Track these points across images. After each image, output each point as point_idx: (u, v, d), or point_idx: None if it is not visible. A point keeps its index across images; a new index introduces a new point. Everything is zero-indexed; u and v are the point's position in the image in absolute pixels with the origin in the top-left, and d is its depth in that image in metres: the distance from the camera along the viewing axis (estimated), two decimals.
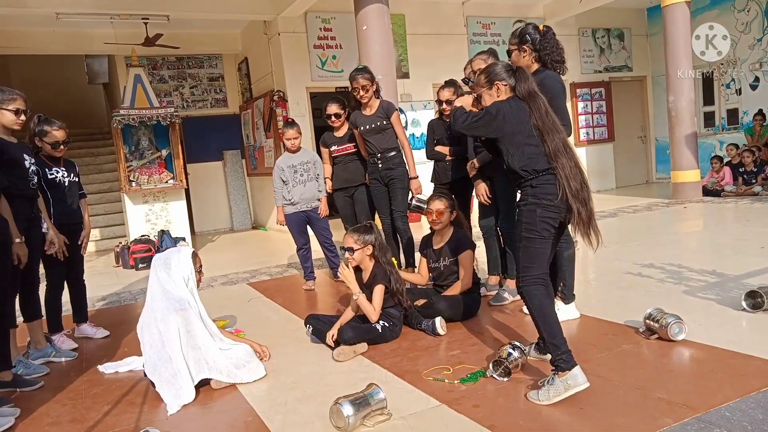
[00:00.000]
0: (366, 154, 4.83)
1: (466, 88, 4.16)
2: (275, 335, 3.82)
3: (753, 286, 3.46)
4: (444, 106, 4.44)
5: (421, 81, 9.33)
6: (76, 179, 4.07)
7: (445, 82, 4.47)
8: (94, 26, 8.54)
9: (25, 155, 3.43)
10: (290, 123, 5.18)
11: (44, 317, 3.83)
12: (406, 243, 4.83)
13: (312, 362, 3.26)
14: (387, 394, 2.49)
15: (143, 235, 7.68)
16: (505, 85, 2.70)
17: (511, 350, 2.80)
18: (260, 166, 9.85)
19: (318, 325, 3.54)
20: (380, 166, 4.73)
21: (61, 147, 3.89)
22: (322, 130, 5.57)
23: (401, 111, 8.73)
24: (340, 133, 5.08)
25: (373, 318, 3.41)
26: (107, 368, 3.46)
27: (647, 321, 3.12)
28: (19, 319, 3.62)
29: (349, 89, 4.75)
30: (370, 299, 3.49)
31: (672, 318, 2.99)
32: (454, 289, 3.76)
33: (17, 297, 3.52)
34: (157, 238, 7.68)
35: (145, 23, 8.25)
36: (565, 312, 3.52)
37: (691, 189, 8.77)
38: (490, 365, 2.79)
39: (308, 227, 5.21)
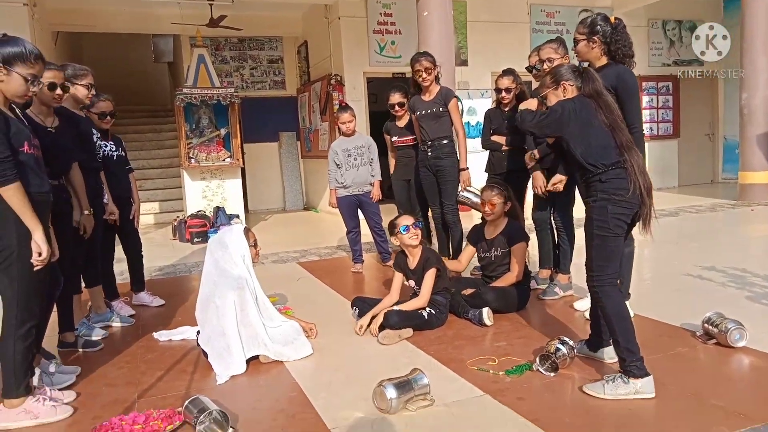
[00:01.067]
0: (420, 140, 4.78)
1: (529, 77, 4.05)
2: (322, 315, 3.86)
3: None
4: (503, 94, 4.35)
5: (480, 69, 9.18)
6: (123, 154, 4.20)
7: (504, 70, 4.39)
8: (162, 6, 8.80)
9: (93, 129, 3.57)
10: (345, 107, 5.21)
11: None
12: (456, 236, 4.74)
13: (357, 344, 3.29)
14: (430, 381, 2.49)
15: (199, 211, 7.92)
16: (572, 86, 2.65)
17: (559, 345, 2.74)
18: (314, 149, 9.95)
19: (364, 308, 3.56)
20: (430, 154, 4.62)
21: (108, 118, 4.00)
22: (377, 116, 5.58)
23: (458, 99, 8.64)
24: (401, 123, 5.06)
25: (422, 304, 3.41)
26: (161, 336, 3.60)
27: (706, 325, 2.99)
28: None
29: (410, 73, 4.66)
30: (418, 285, 3.50)
31: (732, 324, 2.86)
32: (504, 281, 3.71)
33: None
34: (212, 214, 7.90)
35: (210, 5, 8.43)
36: None
37: (760, 191, 8.32)
38: (537, 359, 2.75)
39: (359, 211, 5.24)
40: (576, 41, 3.36)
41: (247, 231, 3.29)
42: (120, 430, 2.27)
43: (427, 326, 3.41)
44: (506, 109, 4.42)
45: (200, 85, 7.75)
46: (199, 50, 7.85)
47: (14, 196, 2.29)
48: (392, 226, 3.57)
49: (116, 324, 3.88)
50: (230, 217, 7.90)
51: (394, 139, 5.11)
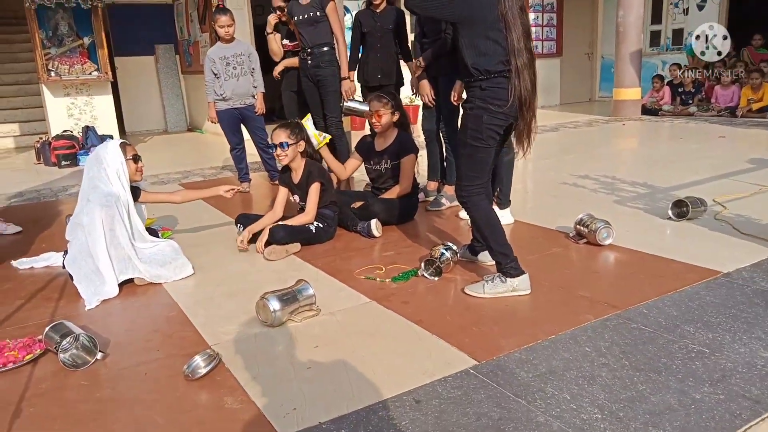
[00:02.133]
0: (300, 47, 4.48)
1: None
2: (205, 235, 3.69)
3: (679, 197, 3.56)
4: None
5: None
6: None
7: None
8: None
9: None
10: (223, 9, 4.80)
11: None
12: (343, 151, 4.56)
13: (241, 261, 3.18)
14: (317, 292, 2.45)
15: (66, 131, 7.18)
16: None
17: (443, 250, 2.78)
18: (195, 64, 9.23)
19: (248, 224, 3.42)
20: (309, 62, 4.37)
21: None
22: (260, 29, 5.18)
23: (347, 10, 8.28)
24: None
25: (309, 219, 3.32)
26: (21, 264, 3.26)
27: (577, 226, 3.17)
28: None
29: None
30: (303, 200, 3.39)
31: (601, 223, 3.05)
32: (392, 193, 3.70)
33: None
34: (81, 134, 7.19)
35: None
36: (504, 217, 3.54)
37: (631, 107, 8.90)
38: (422, 264, 2.78)
39: (242, 126, 4.96)
40: None
41: (124, 145, 2.99)
42: None
43: (315, 240, 3.35)
44: (378, 10, 4.25)
45: None
46: None
47: None
48: (272, 137, 3.39)
49: None
50: (103, 139, 7.23)
51: (284, 42, 4.76)
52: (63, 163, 6.75)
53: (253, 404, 1.78)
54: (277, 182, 4.78)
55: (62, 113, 7.31)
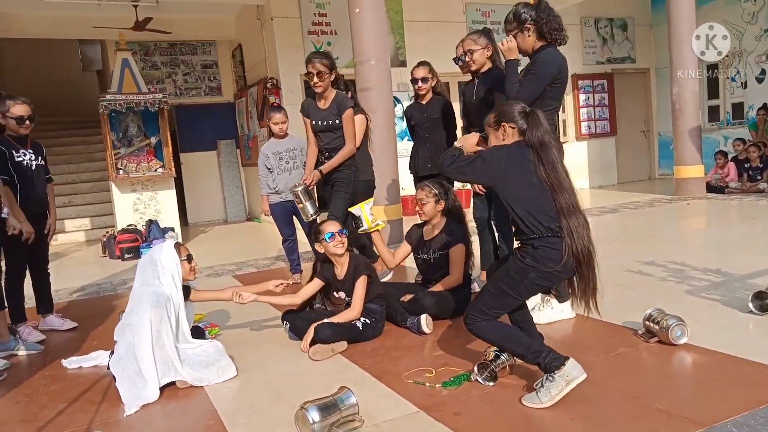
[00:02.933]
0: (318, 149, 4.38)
1: (455, 68, 3.92)
2: (253, 332, 3.62)
3: (760, 287, 3.24)
4: (419, 84, 4.29)
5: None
6: (43, 163, 3.84)
7: (420, 62, 4.32)
8: (83, 9, 8.28)
9: None
10: (277, 107, 4.96)
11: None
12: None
13: (288, 360, 3.05)
14: (362, 398, 2.30)
15: (130, 225, 7.48)
16: (513, 128, 2.43)
17: (498, 352, 2.58)
18: (254, 156, 9.59)
19: (296, 322, 3.33)
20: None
21: (27, 123, 3.66)
22: None
23: (397, 101, 8.50)
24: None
25: (355, 315, 3.20)
26: (71, 363, 3.26)
27: (647, 322, 2.89)
28: None
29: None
30: (349, 295, 3.29)
31: (673, 320, 2.77)
32: (443, 285, 3.54)
33: None
34: (144, 228, 7.48)
35: (135, 6, 8.02)
36: (558, 311, 3.32)
37: (694, 185, 8.53)
38: (475, 368, 2.58)
39: (294, 218, 4.99)
40: (510, 34, 3.27)
41: (178, 246, 3.02)
42: None
43: (363, 337, 3.20)
44: (423, 102, 4.34)
45: (126, 90, 7.33)
46: (123, 54, 7.43)
47: None
48: (317, 232, 3.35)
49: (21, 352, 3.51)
50: (164, 231, 7.49)
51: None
52: (126, 255, 6.98)
53: None
54: (295, 275, 4.76)
55: (128, 208, 7.66)
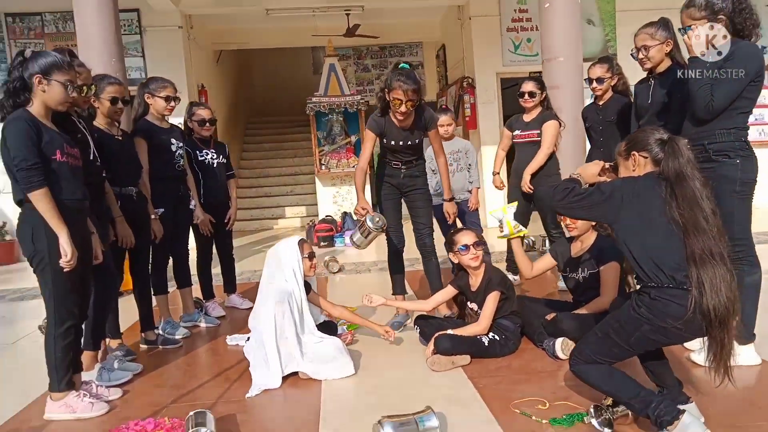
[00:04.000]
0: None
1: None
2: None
3: None
4: (594, 85, 3.82)
5: (633, 63, 8.18)
6: (225, 161, 4.35)
7: (599, 58, 3.83)
8: (300, 21, 9.20)
9: (172, 139, 3.75)
10: (444, 109, 4.94)
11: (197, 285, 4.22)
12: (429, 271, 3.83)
13: (407, 367, 3.02)
14: (462, 420, 2.23)
15: (328, 216, 8.14)
16: (646, 158, 2.08)
17: None
18: None
19: (425, 327, 3.28)
20: (404, 170, 3.76)
21: (207, 125, 4.17)
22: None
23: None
24: (528, 117, 4.42)
25: (481, 330, 3.04)
26: (232, 340, 3.66)
27: None
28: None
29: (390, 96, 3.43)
30: (481, 307, 3.12)
31: None
32: (590, 307, 3.16)
33: (170, 267, 3.91)
34: (340, 219, 8.07)
35: (347, 14, 8.66)
36: (742, 355, 2.72)
37: None
38: (592, 409, 2.25)
39: (458, 221, 4.91)
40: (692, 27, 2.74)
41: (302, 243, 3.20)
42: None
43: (489, 354, 3.02)
44: (600, 103, 3.86)
45: (331, 93, 7.98)
46: (330, 60, 8.08)
47: (41, 201, 2.41)
48: (450, 242, 3.23)
49: (203, 324, 4.05)
50: (356, 223, 7.99)
51: (516, 133, 4.48)
52: (322, 243, 7.62)
53: None
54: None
55: (328, 200, 8.36)
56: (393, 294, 3.84)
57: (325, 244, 7.61)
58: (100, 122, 3.24)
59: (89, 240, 2.71)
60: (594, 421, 2.21)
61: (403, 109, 3.33)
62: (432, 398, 2.57)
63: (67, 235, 2.43)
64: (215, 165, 4.21)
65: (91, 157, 2.93)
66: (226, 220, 4.31)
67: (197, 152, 4.14)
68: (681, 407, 2.20)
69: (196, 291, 4.30)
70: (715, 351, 1.90)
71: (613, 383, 2.05)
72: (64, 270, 2.45)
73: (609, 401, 2.23)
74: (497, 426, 2.29)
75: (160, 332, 3.74)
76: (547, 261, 3.43)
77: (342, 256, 6.46)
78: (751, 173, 2.68)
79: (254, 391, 2.78)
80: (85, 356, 2.97)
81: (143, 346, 3.59)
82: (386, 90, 3.37)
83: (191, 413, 2.32)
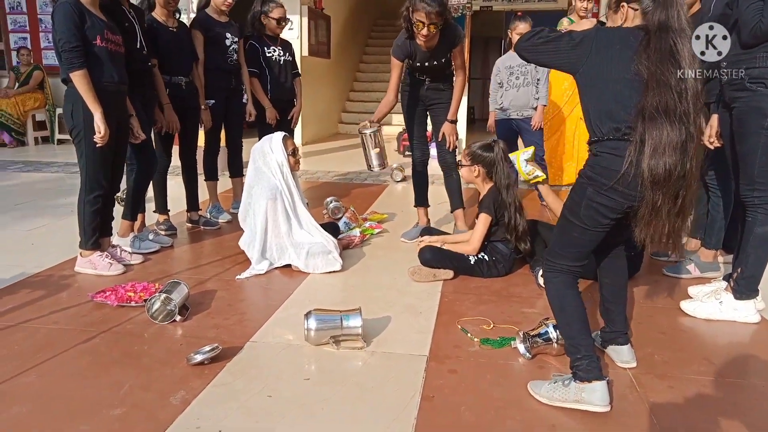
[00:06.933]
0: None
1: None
2: (403, 242, 3.72)
3: None
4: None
5: None
6: (291, 59, 4.46)
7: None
8: None
9: (228, 33, 3.93)
10: (522, 17, 4.54)
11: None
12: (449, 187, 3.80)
13: (390, 272, 3.12)
14: (399, 327, 2.34)
15: None
16: (636, 10, 1.81)
17: (549, 329, 2.15)
18: None
19: (428, 234, 3.32)
20: (428, 82, 3.62)
21: (282, 24, 4.23)
22: None
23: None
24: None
25: (470, 250, 3.01)
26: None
27: None
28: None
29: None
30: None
31: None
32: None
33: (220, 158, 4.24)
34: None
35: None
36: (730, 308, 2.49)
37: None
38: (521, 333, 2.21)
39: (519, 140, 4.69)
40: None
41: (285, 139, 3.27)
42: (114, 291, 2.67)
43: (473, 272, 3.01)
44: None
45: None
46: None
47: (79, 81, 2.73)
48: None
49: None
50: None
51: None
52: (406, 153, 7.68)
53: (183, 406, 1.82)
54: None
55: None
56: (414, 206, 3.86)
57: (409, 154, 7.63)
58: (157, 13, 3.50)
59: (126, 121, 3.05)
60: (520, 346, 2.18)
61: (425, 32, 3.17)
62: (391, 303, 2.67)
63: (101, 114, 2.76)
64: (282, 62, 4.34)
65: (138, 46, 3.21)
66: (289, 117, 4.47)
67: (264, 48, 4.24)
68: (615, 347, 2.12)
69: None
70: (642, 214, 1.72)
71: (562, 313, 1.92)
72: (98, 145, 2.81)
73: (540, 329, 2.17)
74: (428, 337, 2.34)
75: (206, 214, 4.14)
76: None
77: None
78: None
79: (245, 274, 3.05)
80: (122, 224, 3.42)
81: (188, 225, 4.02)
82: (410, 9, 3.21)
83: (169, 282, 2.63)
